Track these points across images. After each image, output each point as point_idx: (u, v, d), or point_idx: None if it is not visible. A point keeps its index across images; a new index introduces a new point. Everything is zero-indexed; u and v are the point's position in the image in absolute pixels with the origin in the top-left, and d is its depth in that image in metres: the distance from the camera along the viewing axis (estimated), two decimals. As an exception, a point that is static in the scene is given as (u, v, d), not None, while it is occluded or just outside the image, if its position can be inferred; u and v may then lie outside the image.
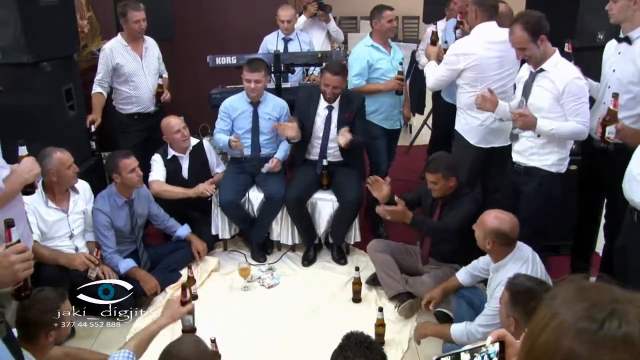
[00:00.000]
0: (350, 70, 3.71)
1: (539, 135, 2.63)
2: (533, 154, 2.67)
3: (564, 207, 3.17)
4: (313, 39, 4.88)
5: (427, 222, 2.96)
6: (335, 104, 3.52)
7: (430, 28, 3.63)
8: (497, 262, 2.48)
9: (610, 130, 2.32)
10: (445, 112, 4.06)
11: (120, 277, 3.03)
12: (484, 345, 1.00)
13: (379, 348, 1.80)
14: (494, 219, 2.42)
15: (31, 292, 1.63)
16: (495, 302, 2.33)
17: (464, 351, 1.00)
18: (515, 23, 2.56)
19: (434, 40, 3.54)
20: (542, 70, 2.58)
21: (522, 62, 3.15)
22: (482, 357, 0.99)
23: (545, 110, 2.58)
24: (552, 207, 2.74)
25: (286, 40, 4.55)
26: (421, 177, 4.65)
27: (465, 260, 3.00)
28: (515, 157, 2.78)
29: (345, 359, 1.71)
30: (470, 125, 3.17)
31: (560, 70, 2.54)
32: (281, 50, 4.33)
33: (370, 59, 3.67)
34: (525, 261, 2.41)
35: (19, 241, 1.46)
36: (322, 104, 3.53)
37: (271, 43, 4.55)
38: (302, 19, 4.86)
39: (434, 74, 3.21)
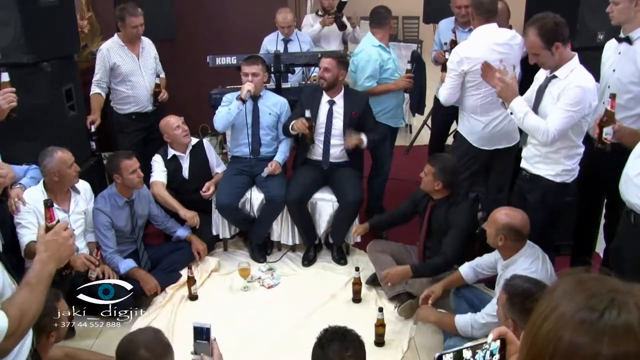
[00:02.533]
0: (362, 72, 3.68)
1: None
2: (538, 162, 2.63)
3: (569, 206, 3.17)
4: (331, 44, 4.81)
5: (429, 265, 2.95)
6: (338, 99, 3.50)
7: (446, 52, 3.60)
8: (507, 258, 2.48)
9: (607, 131, 2.30)
10: (443, 113, 4.05)
11: (121, 277, 3.03)
12: (486, 343, 1.01)
13: (355, 335, 1.83)
14: (505, 215, 2.44)
15: (72, 271, 1.65)
16: None
17: (466, 348, 1.00)
18: (530, 27, 2.44)
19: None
20: (555, 77, 2.50)
21: (525, 61, 3.17)
22: (485, 354, 1.00)
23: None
24: (556, 218, 2.70)
25: (286, 41, 4.54)
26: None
27: (463, 260, 3.01)
28: (523, 163, 2.75)
29: (320, 347, 1.80)
30: (474, 129, 3.15)
31: (570, 78, 2.43)
32: (281, 51, 4.32)
33: (381, 60, 3.66)
34: (535, 258, 2.43)
35: (58, 221, 1.51)
36: (325, 98, 3.52)
37: (271, 44, 4.54)
38: (317, 26, 4.74)
39: (443, 87, 3.17)
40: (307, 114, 3.41)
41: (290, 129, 3.49)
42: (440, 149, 4.23)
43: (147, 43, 3.87)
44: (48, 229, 1.46)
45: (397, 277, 2.92)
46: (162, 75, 3.97)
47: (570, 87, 2.40)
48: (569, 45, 2.52)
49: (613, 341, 0.67)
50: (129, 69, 3.74)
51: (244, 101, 3.45)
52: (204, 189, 3.57)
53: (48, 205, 1.51)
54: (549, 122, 2.44)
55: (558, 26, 2.41)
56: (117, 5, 3.99)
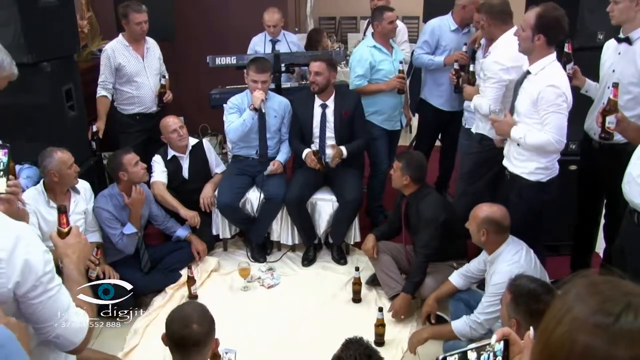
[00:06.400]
0: (353, 71, 3.71)
1: (518, 145, 2.58)
2: (515, 158, 2.64)
3: (563, 207, 3.17)
4: None
5: (415, 273, 2.96)
6: (330, 102, 3.51)
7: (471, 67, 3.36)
8: (492, 253, 2.52)
9: (611, 120, 2.29)
10: (432, 118, 4.03)
11: (121, 277, 3.01)
12: (489, 344, 1.01)
13: (378, 357, 1.80)
14: (484, 210, 2.51)
15: None
16: (493, 289, 2.41)
17: (471, 349, 1.00)
18: (538, 6, 2.48)
19: (472, 80, 3.30)
20: (528, 72, 2.54)
21: None
22: (489, 355, 1.00)
23: (522, 114, 2.54)
24: (534, 218, 2.67)
25: (274, 42, 4.47)
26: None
27: (454, 253, 3.06)
28: (504, 161, 2.75)
29: None
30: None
31: (541, 75, 2.47)
32: (269, 52, 4.29)
33: (373, 60, 3.67)
34: (519, 249, 2.47)
35: (70, 227, 1.58)
36: (317, 102, 3.53)
37: (259, 45, 4.46)
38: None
39: (486, 99, 2.95)
40: (314, 147, 3.47)
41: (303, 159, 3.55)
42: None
43: (151, 43, 3.87)
44: (61, 233, 1.55)
45: (402, 308, 2.93)
46: (167, 76, 3.97)
47: (544, 90, 2.41)
48: (553, 50, 2.51)
49: (630, 345, 0.67)
50: (133, 69, 3.73)
51: (257, 110, 3.45)
52: (201, 196, 3.57)
53: (62, 210, 1.57)
54: (547, 131, 2.44)
55: (557, 24, 2.43)
56: (117, 5, 3.98)
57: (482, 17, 3.08)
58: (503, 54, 2.88)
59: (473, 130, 3.26)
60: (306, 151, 3.53)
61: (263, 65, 3.49)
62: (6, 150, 1.56)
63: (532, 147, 2.51)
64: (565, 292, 0.78)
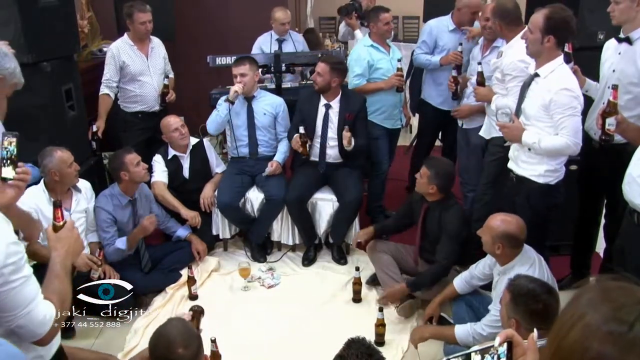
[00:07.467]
0: (351, 71, 3.71)
1: (529, 149, 2.54)
2: (524, 161, 2.60)
3: (563, 207, 3.17)
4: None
5: (425, 276, 2.94)
6: (334, 103, 3.51)
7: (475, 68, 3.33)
8: (504, 264, 2.45)
9: (610, 122, 2.29)
10: (432, 117, 4.03)
11: (121, 278, 3.01)
12: (493, 346, 1.00)
13: (380, 357, 1.80)
14: (501, 222, 2.39)
15: (75, 271, 1.75)
16: None
17: (475, 352, 1.00)
18: (545, 8, 2.42)
19: (482, 81, 3.26)
20: (537, 75, 2.50)
21: None
22: (492, 358, 1.00)
23: (533, 118, 2.50)
24: (541, 220, 2.65)
25: (280, 41, 4.51)
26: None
27: (461, 258, 3.00)
28: (509, 164, 2.72)
29: None
30: None
31: (552, 78, 2.42)
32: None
33: (371, 59, 3.68)
34: (532, 263, 2.40)
35: (66, 221, 1.58)
36: (322, 101, 3.53)
37: (265, 44, 4.51)
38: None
39: (511, 100, 2.82)
40: (301, 130, 3.42)
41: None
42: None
43: (156, 43, 3.89)
44: (56, 227, 1.55)
45: (394, 297, 2.95)
46: (171, 75, 3.98)
47: (558, 94, 2.38)
48: (560, 52, 2.48)
49: None
50: (137, 68, 3.75)
51: (231, 102, 3.45)
52: (202, 196, 3.56)
53: (57, 205, 1.57)
54: (563, 134, 2.41)
55: (566, 25, 2.39)
56: (117, 6, 3.98)
57: (494, 22, 3.03)
58: (524, 53, 2.71)
59: (486, 136, 3.23)
60: (295, 135, 3.48)
61: (241, 58, 3.53)
62: (15, 139, 1.58)
63: (548, 151, 2.47)
64: (577, 297, 0.77)
